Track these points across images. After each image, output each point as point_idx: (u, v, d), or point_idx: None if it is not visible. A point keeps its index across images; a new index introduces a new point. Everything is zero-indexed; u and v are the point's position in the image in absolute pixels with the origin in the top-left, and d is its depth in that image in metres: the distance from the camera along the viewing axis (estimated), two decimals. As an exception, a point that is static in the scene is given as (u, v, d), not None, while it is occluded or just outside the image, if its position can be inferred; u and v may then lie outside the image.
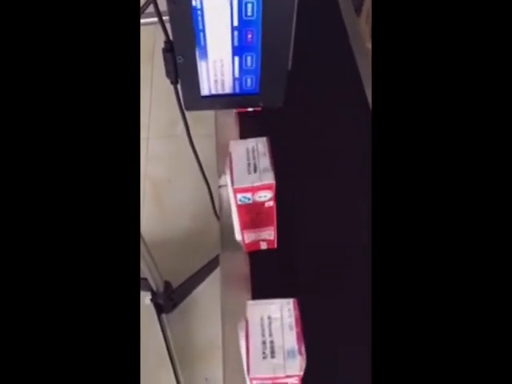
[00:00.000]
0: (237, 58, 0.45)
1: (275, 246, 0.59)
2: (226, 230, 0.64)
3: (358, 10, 1.42)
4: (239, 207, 0.51)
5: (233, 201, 0.51)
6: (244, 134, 0.69)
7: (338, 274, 0.58)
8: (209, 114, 0.73)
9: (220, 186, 0.68)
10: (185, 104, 0.49)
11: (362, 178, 0.64)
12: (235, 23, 0.42)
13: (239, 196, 0.49)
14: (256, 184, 0.47)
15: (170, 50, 0.45)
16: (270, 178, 0.48)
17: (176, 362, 1.14)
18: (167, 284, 1.18)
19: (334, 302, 0.56)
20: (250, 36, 0.43)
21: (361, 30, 1.14)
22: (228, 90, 0.48)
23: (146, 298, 1.19)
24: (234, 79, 0.47)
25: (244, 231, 0.55)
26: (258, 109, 0.64)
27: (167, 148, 1.50)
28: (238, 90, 0.48)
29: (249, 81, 0.47)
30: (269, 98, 0.49)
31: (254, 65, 0.45)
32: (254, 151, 0.49)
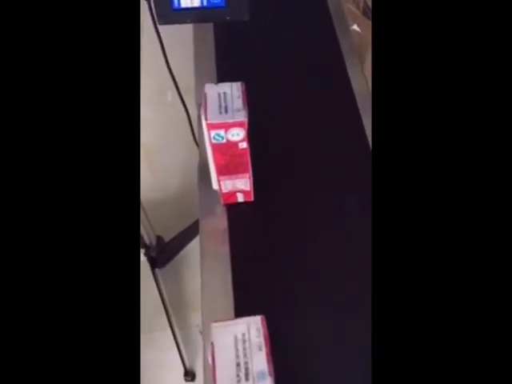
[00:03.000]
0: (202, -31, 0.49)
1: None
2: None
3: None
4: None
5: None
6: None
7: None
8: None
9: (199, 116, 0.73)
10: (158, 18, 0.53)
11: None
12: None
13: None
14: None
15: (142, -36, 0.50)
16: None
17: (170, 311, 1.19)
18: (159, 238, 1.23)
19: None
20: None
21: (346, 11, 1.16)
22: (197, 3, 0.52)
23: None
24: (202, -9, 0.51)
25: None
26: (249, 200, 0.62)
27: (157, 115, 1.55)
28: (206, 4, 0.52)
29: (215, -7, 0.51)
30: (235, 11, 0.53)
31: (219, -25, 0.50)
32: (244, 342, 0.41)
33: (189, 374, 1.13)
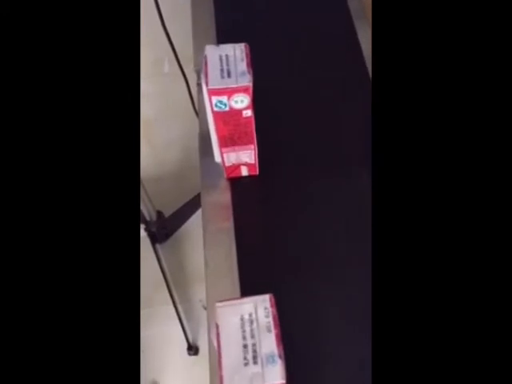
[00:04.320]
0: None
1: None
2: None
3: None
4: None
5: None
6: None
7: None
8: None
9: (198, 84, 0.69)
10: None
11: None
12: None
13: None
14: None
15: None
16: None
17: (172, 286, 1.18)
18: (160, 213, 1.21)
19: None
20: None
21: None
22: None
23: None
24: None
25: None
26: (254, 173, 0.59)
27: (152, 87, 1.49)
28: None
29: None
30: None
31: None
32: (251, 323, 0.38)
33: (192, 348, 1.12)
